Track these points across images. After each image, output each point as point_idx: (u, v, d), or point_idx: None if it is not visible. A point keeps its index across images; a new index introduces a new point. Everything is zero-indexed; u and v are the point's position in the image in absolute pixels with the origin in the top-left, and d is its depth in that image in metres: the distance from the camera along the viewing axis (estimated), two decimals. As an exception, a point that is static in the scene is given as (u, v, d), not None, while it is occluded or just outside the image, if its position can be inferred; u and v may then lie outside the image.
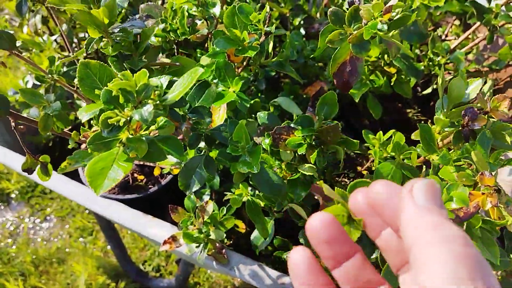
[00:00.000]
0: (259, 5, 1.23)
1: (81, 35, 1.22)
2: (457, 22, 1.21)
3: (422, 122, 1.14)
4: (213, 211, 0.85)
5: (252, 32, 0.65)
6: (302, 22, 1.25)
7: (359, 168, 0.93)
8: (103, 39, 0.59)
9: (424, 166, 0.76)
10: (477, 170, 0.60)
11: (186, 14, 0.76)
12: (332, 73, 0.69)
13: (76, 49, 1.24)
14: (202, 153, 0.70)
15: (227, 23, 0.65)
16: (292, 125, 0.70)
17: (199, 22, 0.79)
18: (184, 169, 0.68)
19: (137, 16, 0.65)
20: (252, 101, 0.89)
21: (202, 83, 0.66)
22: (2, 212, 2.11)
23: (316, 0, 1.25)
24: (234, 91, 0.72)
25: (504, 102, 0.67)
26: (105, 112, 0.46)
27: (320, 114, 0.69)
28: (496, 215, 0.56)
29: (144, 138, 0.49)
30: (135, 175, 1.06)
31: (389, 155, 0.86)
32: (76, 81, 0.47)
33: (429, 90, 1.02)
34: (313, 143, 0.68)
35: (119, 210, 0.97)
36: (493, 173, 0.58)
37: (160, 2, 1.14)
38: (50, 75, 0.80)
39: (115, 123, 0.46)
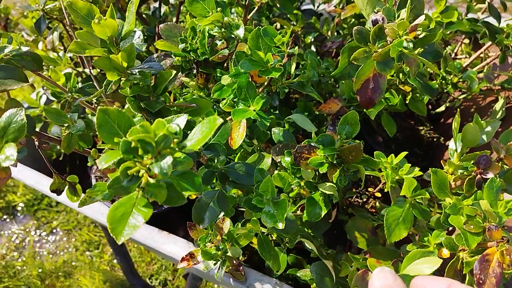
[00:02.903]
0: (276, 24, 1.25)
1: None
2: (466, 41, 1.23)
3: (434, 139, 1.15)
4: (230, 228, 0.85)
5: (276, 53, 0.66)
6: (313, 39, 1.27)
7: (371, 189, 0.93)
8: (122, 79, 0.60)
9: (436, 205, 0.76)
10: (485, 217, 0.61)
11: (207, 34, 0.77)
12: (355, 89, 0.70)
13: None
14: (215, 188, 0.71)
15: (252, 45, 0.66)
16: (313, 144, 0.71)
17: (219, 42, 0.80)
18: (198, 204, 0.69)
19: (154, 55, 0.65)
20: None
21: (208, 114, 0.67)
22: (8, 225, 2.11)
23: (327, 19, 1.27)
24: (254, 110, 0.73)
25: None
26: (125, 162, 0.46)
27: (342, 133, 0.70)
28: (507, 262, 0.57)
29: (163, 184, 0.48)
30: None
31: (400, 178, 0.86)
32: (96, 127, 0.47)
33: (442, 108, 1.03)
34: (335, 162, 0.69)
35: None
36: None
37: (174, 20, 1.16)
38: (70, 94, 0.80)
39: (135, 173, 0.46)
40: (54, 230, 2.07)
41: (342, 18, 1.07)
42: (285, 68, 0.69)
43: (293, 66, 0.68)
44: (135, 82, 0.60)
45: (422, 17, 0.59)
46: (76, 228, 2.06)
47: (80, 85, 1.11)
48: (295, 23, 1.29)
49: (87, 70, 1.14)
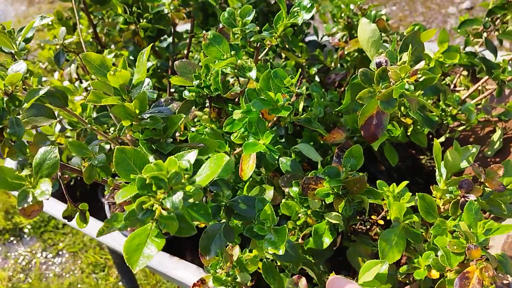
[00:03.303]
0: (283, 60, 1.31)
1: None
2: (464, 73, 1.28)
3: (435, 168, 1.19)
4: (239, 255, 0.88)
5: (285, 93, 0.71)
6: (317, 70, 1.32)
7: (374, 217, 0.97)
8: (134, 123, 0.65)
9: (429, 229, 0.80)
10: (467, 238, 0.65)
11: (220, 72, 0.82)
12: (360, 125, 0.75)
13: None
14: (221, 221, 0.76)
15: (263, 86, 0.71)
16: (319, 175, 0.75)
17: (231, 80, 0.85)
18: (205, 236, 0.73)
19: (162, 100, 0.70)
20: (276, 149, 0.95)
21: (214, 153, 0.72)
22: (15, 247, 2.14)
23: (331, 51, 1.33)
24: (264, 143, 0.78)
25: (499, 172, 0.72)
26: (140, 197, 0.50)
27: (347, 166, 0.74)
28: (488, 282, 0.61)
29: (175, 216, 0.52)
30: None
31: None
32: (113, 164, 0.51)
33: (442, 139, 1.08)
34: (340, 193, 0.73)
35: (145, 251, 1.01)
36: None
37: (185, 52, 1.21)
38: (89, 125, 0.85)
39: (149, 207, 0.50)
40: (60, 252, 2.10)
41: (346, 52, 1.12)
42: (293, 106, 0.73)
43: (301, 104, 0.72)
44: (146, 126, 0.64)
45: (422, 63, 0.63)
46: (82, 250, 2.09)
47: (95, 114, 1.17)
48: (299, 55, 1.34)
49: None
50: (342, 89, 1.29)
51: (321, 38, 1.49)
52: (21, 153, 0.59)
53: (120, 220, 0.73)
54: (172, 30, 1.09)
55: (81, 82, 1.23)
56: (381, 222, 0.95)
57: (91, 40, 1.20)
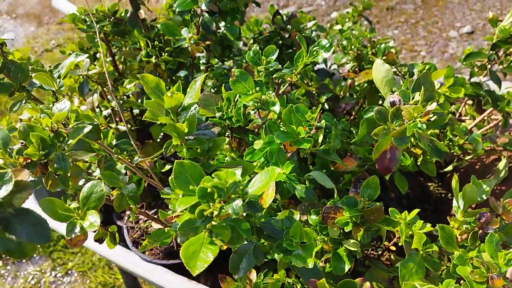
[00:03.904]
0: (296, 91, 1.36)
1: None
2: (469, 102, 1.33)
3: (442, 195, 1.24)
4: (257, 279, 0.92)
5: (306, 126, 0.76)
6: (326, 99, 1.37)
7: (386, 243, 1.01)
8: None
9: (445, 257, 0.84)
10: (488, 268, 0.69)
11: (242, 105, 0.87)
12: (374, 158, 0.79)
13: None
14: (251, 241, 0.80)
15: (285, 119, 0.76)
16: (338, 204, 0.79)
17: (251, 112, 0.90)
18: (234, 256, 0.77)
19: (203, 125, 0.75)
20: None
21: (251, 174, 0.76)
22: (24, 266, 2.16)
23: (340, 80, 1.38)
24: (284, 173, 0.82)
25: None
26: (201, 205, 0.55)
27: (364, 196, 0.78)
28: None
29: (228, 225, 0.57)
30: (179, 241, 1.15)
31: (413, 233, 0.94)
32: (173, 177, 0.56)
33: (450, 168, 1.12)
34: (358, 221, 0.77)
35: (164, 275, 1.05)
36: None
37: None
38: (116, 155, 0.89)
39: (208, 215, 0.55)
40: (69, 272, 2.12)
41: (356, 83, 1.18)
42: (314, 139, 0.78)
43: (321, 137, 0.77)
44: (191, 146, 0.69)
45: (434, 105, 0.68)
46: (91, 269, 2.11)
47: (114, 141, 1.21)
48: (310, 84, 1.40)
49: (120, 127, 1.24)
50: (351, 117, 1.34)
51: (330, 67, 1.54)
52: (64, 185, 0.64)
53: (161, 235, 0.78)
54: (192, 62, 1.15)
55: (100, 110, 1.28)
56: (393, 248, 0.99)
57: (112, 69, 1.25)
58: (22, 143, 0.59)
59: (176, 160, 0.60)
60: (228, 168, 0.75)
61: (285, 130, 0.75)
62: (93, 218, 0.55)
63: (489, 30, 3.16)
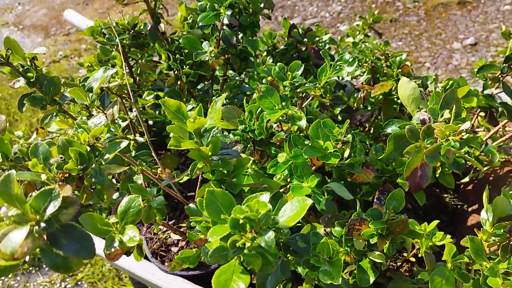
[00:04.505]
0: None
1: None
2: (482, 114, 1.35)
3: (458, 206, 1.25)
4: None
5: (333, 141, 0.77)
6: (340, 110, 1.39)
7: (405, 254, 1.02)
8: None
9: (472, 270, 0.85)
10: None
11: (265, 119, 0.88)
12: (405, 176, 0.81)
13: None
14: (278, 257, 0.81)
15: (312, 135, 0.77)
16: (363, 216, 0.81)
17: (274, 125, 0.91)
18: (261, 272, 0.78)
19: (225, 145, 0.76)
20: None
21: (277, 193, 0.77)
22: (34, 277, 2.16)
23: (353, 92, 1.40)
24: (309, 187, 0.83)
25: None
26: (233, 236, 0.55)
27: (389, 208, 0.79)
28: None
29: (259, 254, 0.57)
30: (197, 252, 1.15)
31: (433, 244, 0.95)
32: (204, 206, 0.57)
33: (466, 179, 1.14)
34: (384, 233, 0.78)
35: (184, 286, 1.05)
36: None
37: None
38: (140, 167, 0.90)
39: (241, 245, 0.56)
40: (79, 283, 2.12)
41: (372, 95, 1.19)
42: (341, 153, 0.79)
43: (347, 151, 0.78)
44: (215, 168, 0.70)
45: (468, 123, 0.70)
46: (101, 280, 2.11)
47: (133, 153, 1.22)
48: (324, 95, 1.41)
49: (138, 138, 1.25)
50: (366, 129, 1.35)
51: (342, 79, 1.56)
52: (99, 199, 0.65)
53: (189, 255, 0.79)
54: (212, 75, 1.16)
55: (119, 123, 1.29)
56: (413, 259, 0.99)
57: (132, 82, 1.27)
58: (61, 157, 0.60)
59: (207, 189, 0.60)
60: (253, 187, 0.76)
61: (313, 145, 0.76)
62: (132, 233, 0.56)
63: (492, 42, 3.19)
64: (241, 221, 0.54)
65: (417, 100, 0.79)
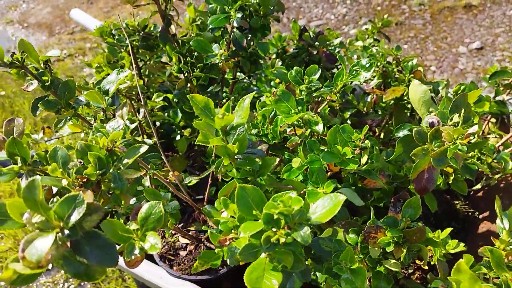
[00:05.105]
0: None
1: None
2: (493, 120, 1.34)
3: (469, 213, 1.24)
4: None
5: (351, 147, 0.77)
6: (350, 114, 1.38)
7: (418, 262, 1.01)
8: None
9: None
10: None
11: (279, 123, 0.87)
12: (412, 178, 0.80)
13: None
14: None
15: (330, 140, 0.76)
16: (379, 224, 0.80)
17: (287, 129, 0.90)
18: (283, 273, 0.77)
19: (250, 143, 0.75)
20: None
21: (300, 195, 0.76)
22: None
23: (364, 97, 1.39)
24: (325, 192, 0.83)
25: None
26: (266, 232, 0.55)
27: (406, 216, 0.79)
28: None
29: (290, 251, 0.57)
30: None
31: (447, 252, 0.94)
32: (235, 201, 0.56)
33: (478, 186, 1.13)
34: (400, 241, 0.78)
35: (193, 290, 1.05)
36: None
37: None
38: (152, 170, 0.90)
39: (274, 241, 0.55)
40: (83, 283, 2.11)
41: (384, 100, 1.18)
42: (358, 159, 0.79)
43: (365, 158, 0.78)
44: (241, 166, 0.69)
45: (476, 127, 0.69)
46: (104, 281, 2.10)
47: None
48: (334, 100, 1.40)
49: (146, 140, 1.24)
50: (376, 134, 1.34)
51: (351, 83, 1.55)
52: (117, 204, 0.64)
53: (211, 256, 0.78)
54: (222, 78, 1.16)
55: (128, 124, 1.28)
56: (425, 267, 0.99)
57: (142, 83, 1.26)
58: (80, 162, 0.60)
59: (238, 184, 0.60)
60: (277, 187, 0.76)
61: (331, 151, 0.75)
62: (154, 240, 0.55)
63: (498, 46, 3.19)
64: (275, 216, 0.53)
65: (427, 103, 0.79)
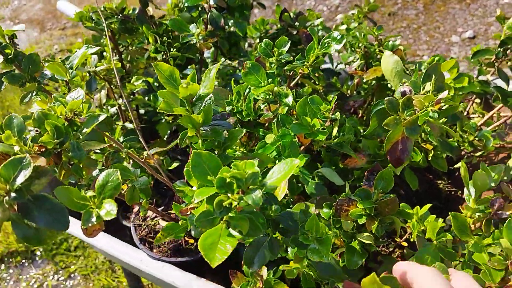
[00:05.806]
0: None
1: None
2: (477, 100, 1.33)
3: (452, 193, 1.23)
4: (267, 276, 0.91)
5: (320, 118, 0.75)
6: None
7: (397, 239, 1.00)
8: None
9: (460, 248, 0.83)
10: (507, 255, 0.68)
11: (253, 99, 0.86)
12: (386, 150, 0.79)
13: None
14: (266, 234, 0.78)
15: (299, 112, 0.75)
16: (351, 197, 0.79)
17: (262, 106, 0.89)
18: (249, 248, 0.76)
19: (218, 115, 0.74)
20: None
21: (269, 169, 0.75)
22: (27, 269, 2.14)
23: (347, 79, 1.38)
24: (297, 166, 0.81)
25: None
26: (219, 196, 0.54)
27: (378, 188, 0.77)
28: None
29: (246, 217, 0.56)
30: (186, 238, 1.13)
31: (426, 228, 0.93)
32: (189, 167, 0.55)
33: (459, 165, 1.11)
34: (372, 214, 0.76)
35: (172, 272, 1.04)
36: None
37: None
38: (126, 150, 0.88)
39: (227, 205, 0.54)
40: (72, 275, 2.11)
41: (364, 80, 1.17)
42: (328, 132, 0.78)
43: (335, 129, 0.76)
44: (206, 138, 0.68)
45: (446, 92, 0.68)
46: (94, 273, 2.09)
47: (121, 138, 1.21)
48: (317, 82, 1.39)
49: (127, 125, 1.23)
50: (359, 116, 1.33)
51: (336, 66, 1.54)
52: (78, 175, 0.63)
53: (175, 228, 0.77)
54: (200, 58, 1.14)
55: (107, 108, 1.27)
56: (405, 244, 0.98)
57: (120, 67, 1.25)
58: (36, 130, 0.58)
59: (193, 150, 0.59)
60: (244, 159, 0.75)
61: (300, 122, 0.74)
62: (110, 207, 0.54)
63: (491, 35, 3.17)
64: (228, 180, 0.52)
65: (400, 74, 0.78)
